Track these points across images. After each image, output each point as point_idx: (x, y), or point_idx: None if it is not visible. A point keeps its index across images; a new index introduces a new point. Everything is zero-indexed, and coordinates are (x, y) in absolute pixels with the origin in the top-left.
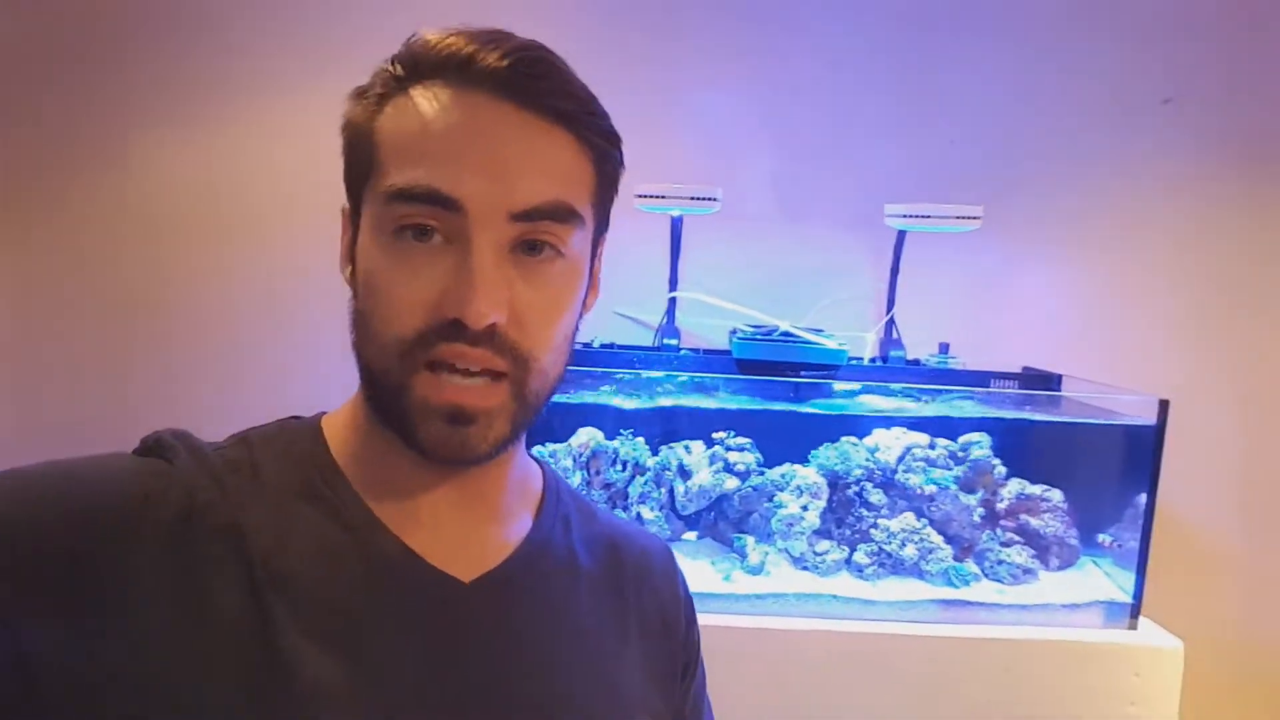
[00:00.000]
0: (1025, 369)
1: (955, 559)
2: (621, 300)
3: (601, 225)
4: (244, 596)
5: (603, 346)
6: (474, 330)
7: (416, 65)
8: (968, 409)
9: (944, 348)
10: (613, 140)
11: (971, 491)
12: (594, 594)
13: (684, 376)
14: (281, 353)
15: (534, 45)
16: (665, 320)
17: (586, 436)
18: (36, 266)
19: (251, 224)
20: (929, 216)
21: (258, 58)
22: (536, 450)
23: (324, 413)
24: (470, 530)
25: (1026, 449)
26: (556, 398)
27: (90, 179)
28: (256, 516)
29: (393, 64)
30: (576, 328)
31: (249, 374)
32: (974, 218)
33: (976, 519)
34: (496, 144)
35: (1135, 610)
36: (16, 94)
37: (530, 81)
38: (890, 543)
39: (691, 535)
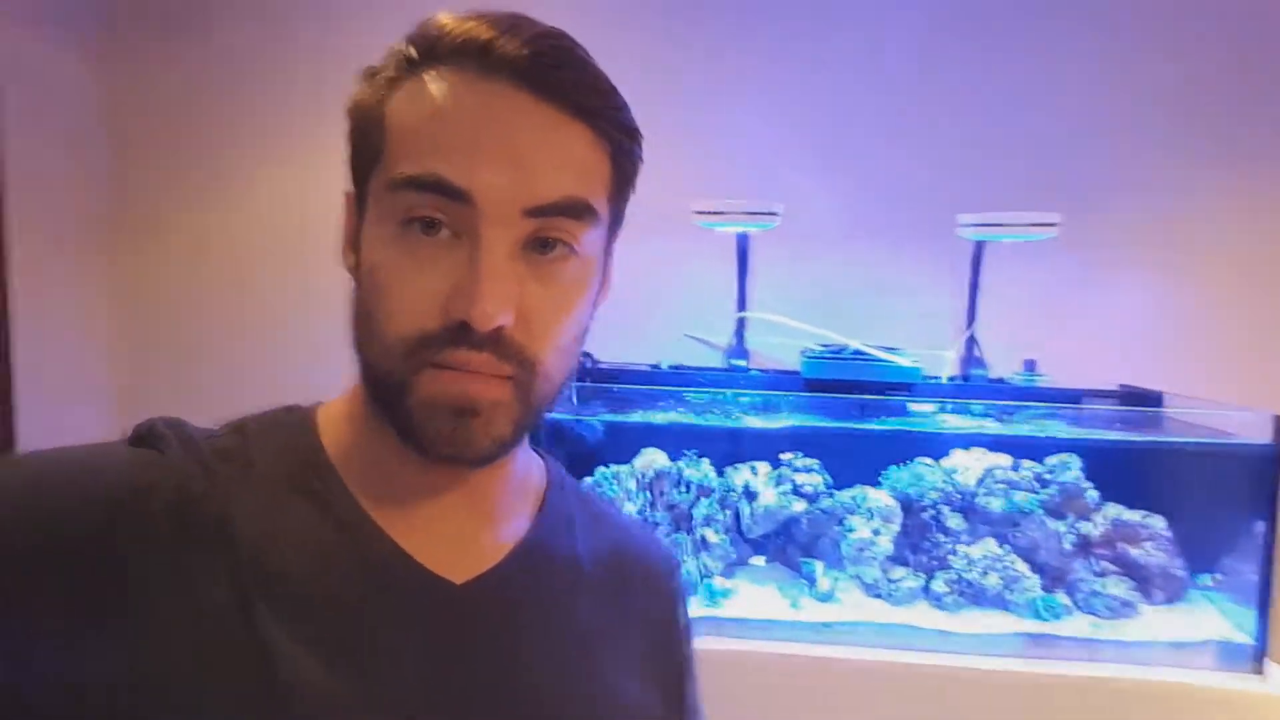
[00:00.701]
0: (1122, 386)
1: (1044, 589)
2: (690, 322)
3: (616, 222)
4: (231, 592)
5: (671, 368)
6: (480, 333)
7: (432, 48)
8: (1055, 429)
9: (1030, 364)
10: (633, 135)
11: (1060, 517)
12: (594, 598)
13: (748, 396)
14: None
15: (556, 33)
16: (734, 341)
17: (650, 458)
18: (148, 287)
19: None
20: (1003, 225)
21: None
22: (600, 472)
23: (320, 403)
24: (465, 531)
25: (1123, 472)
26: (621, 418)
27: (202, 209)
28: (246, 509)
29: (406, 45)
30: (586, 328)
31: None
32: (1050, 224)
33: (1067, 547)
34: (512, 135)
35: (1259, 653)
36: (146, 134)
37: (550, 71)
38: (971, 570)
39: (759, 560)
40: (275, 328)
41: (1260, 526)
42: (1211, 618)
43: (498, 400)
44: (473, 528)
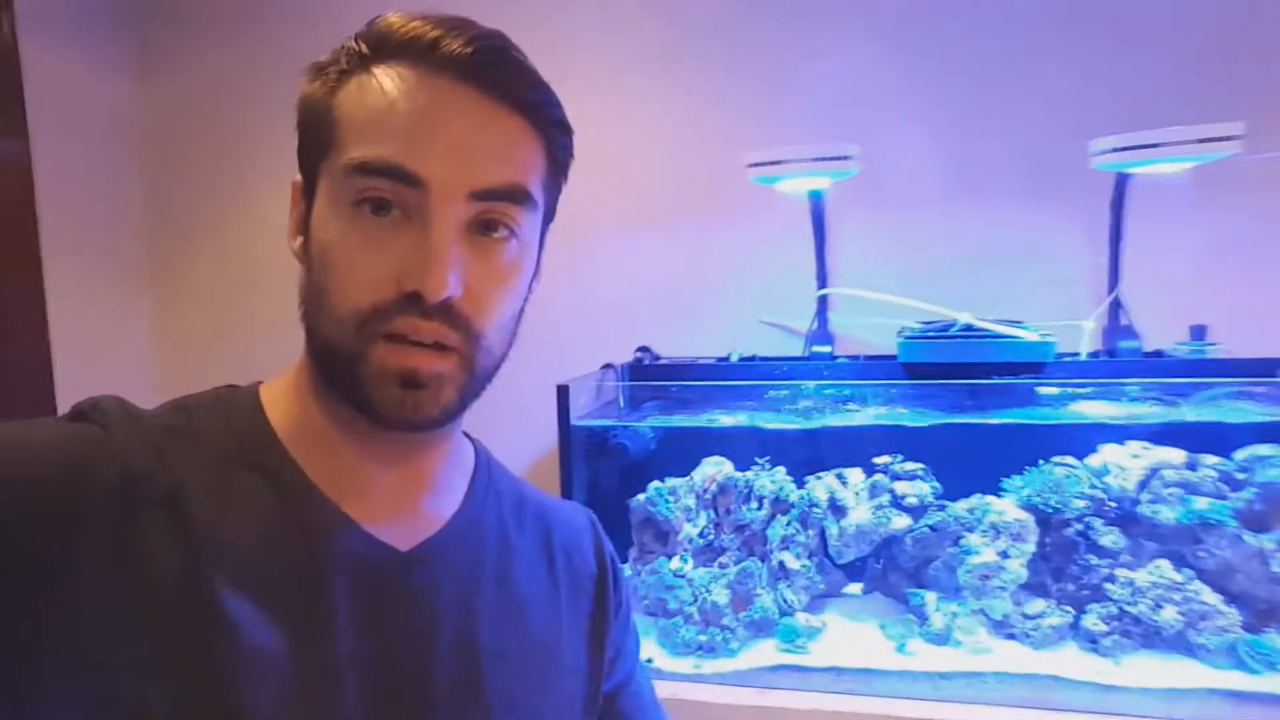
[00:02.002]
0: None
1: (1247, 628)
2: (765, 305)
3: (550, 212)
4: (184, 563)
5: (742, 360)
6: (430, 303)
7: (381, 45)
8: (1244, 412)
9: (1198, 332)
10: (565, 130)
11: (1263, 530)
12: (527, 564)
13: (830, 388)
14: None
15: (495, 34)
16: (815, 324)
17: (713, 469)
18: (186, 298)
19: None
20: (1158, 145)
21: None
22: (654, 486)
23: (260, 382)
24: (408, 500)
25: None
26: (678, 422)
27: (237, 217)
28: (196, 484)
29: (356, 42)
30: (522, 309)
31: None
32: (1229, 138)
33: (1277, 570)
34: (459, 126)
35: None
36: (180, 142)
37: (491, 69)
38: (1137, 602)
39: (855, 588)
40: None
41: None
42: None
43: (443, 373)
44: (415, 497)
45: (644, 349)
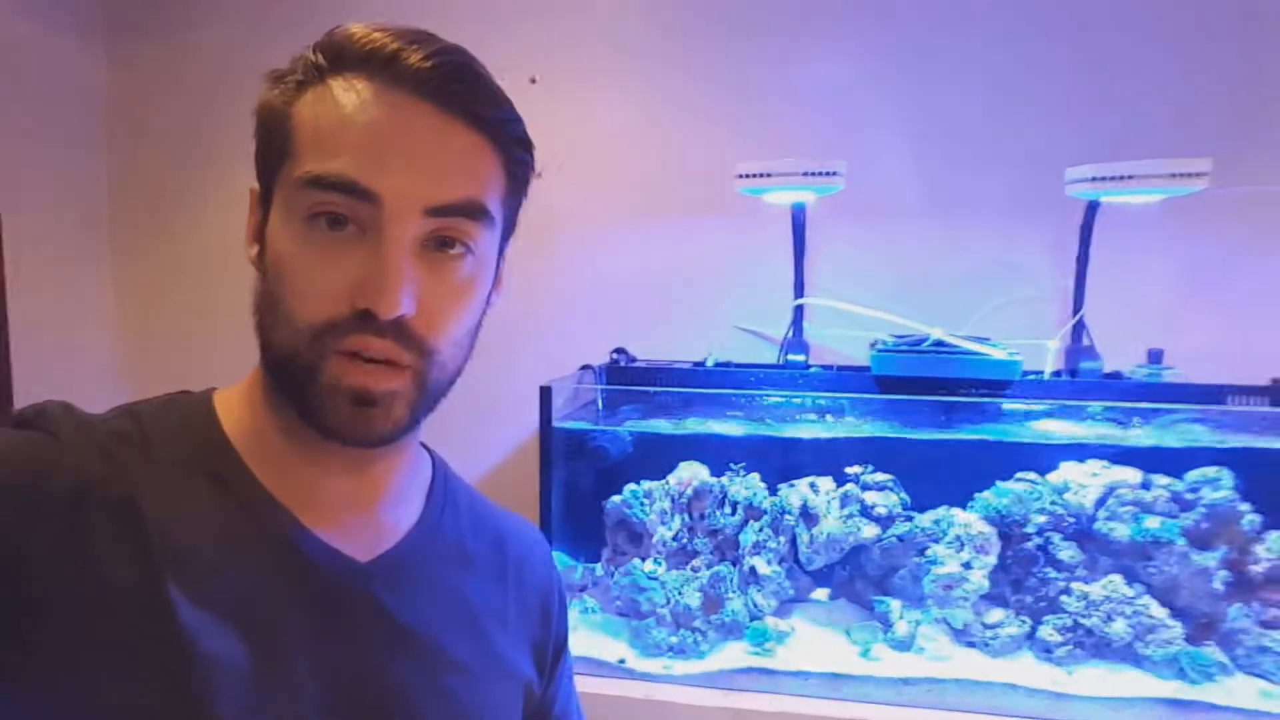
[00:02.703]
0: (1276, 381)
1: (1190, 640)
2: (741, 312)
3: (509, 227)
4: (140, 572)
5: (717, 365)
6: (383, 321)
7: (339, 56)
8: (1195, 435)
9: (1155, 355)
10: (525, 146)
11: (1208, 548)
12: (480, 577)
13: (806, 398)
14: None
15: (456, 49)
16: (790, 333)
17: (688, 474)
18: (149, 288)
19: None
20: (1132, 177)
21: None
22: (629, 489)
23: (214, 389)
24: (366, 512)
25: None
26: (654, 428)
27: (207, 206)
28: (150, 492)
29: (314, 52)
30: (479, 324)
31: None
32: (1198, 174)
33: (1218, 586)
34: (415, 141)
35: None
36: (146, 131)
37: (450, 84)
38: (1090, 615)
39: (822, 594)
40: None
41: None
42: None
43: (395, 390)
44: (372, 508)
45: (620, 351)
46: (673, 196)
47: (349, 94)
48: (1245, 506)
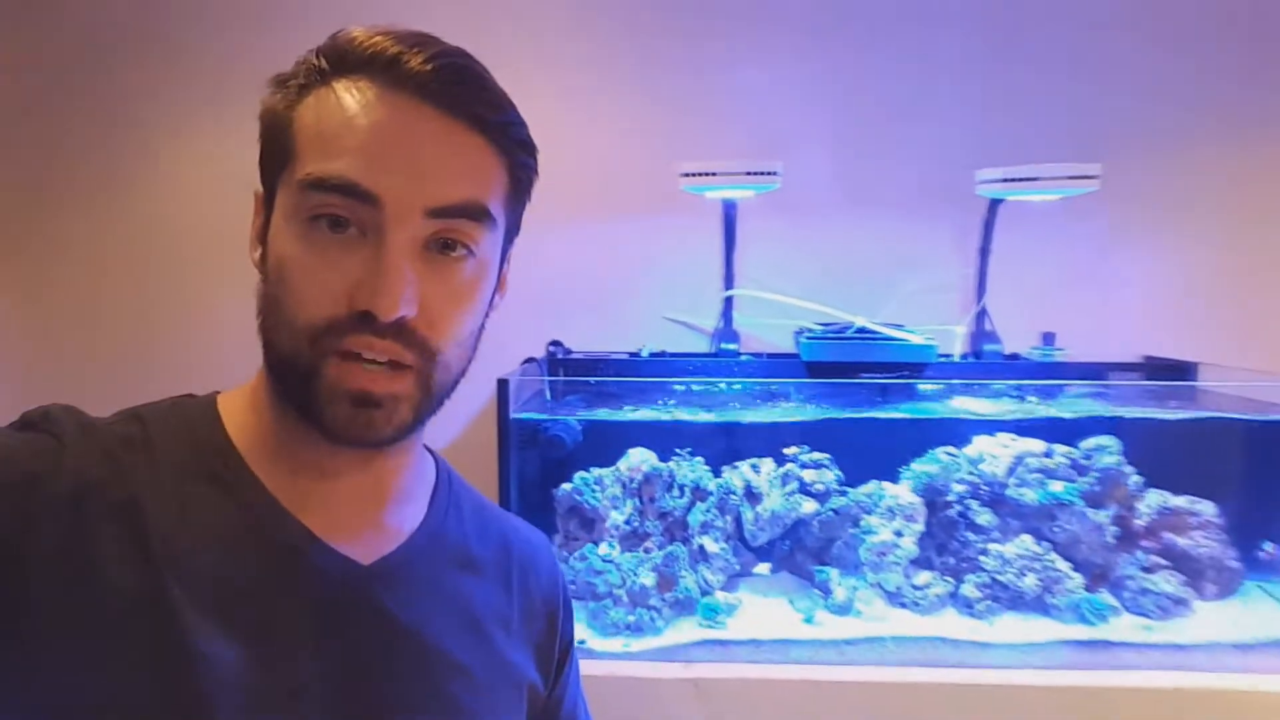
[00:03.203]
0: (1148, 358)
1: (1087, 589)
2: (669, 304)
3: (512, 230)
4: (141, 575)
5: (652, 355)
6: (383, 323)
7: (342, 60)
8: (1088, 409)
9: (1048, 338)
10: (528, 149)
11: (1102, 507)
12: (484, 581)
13: (742, 384)
14: None
15: (458, 52)
16: (721, 323)
17: (638, 459)
18: (53, 274)
19: None
20: (1035, 179)
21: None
22: (580, 476)
23: (218, 392)
24: (369, 514)
25: (1164, 454)
26: (604, 416)
27: (115, 188)
28: (152, 494)
29: (317, 56)
30: (482, 326)
31: None
32: (1091, 177)
33: (1110, 540)
34: (416, 143)
35: None
36: (46, 104)
37: (452, 87)
38: (1005, 572)
39: (764, 568)
40: (184, 318)
41: None
42: (1270, 613)
43: (398, 393)
44: (376, 511)
45: (556, 343)
46: (601, 192)
47: (350, 97)
48: (1130, 469)
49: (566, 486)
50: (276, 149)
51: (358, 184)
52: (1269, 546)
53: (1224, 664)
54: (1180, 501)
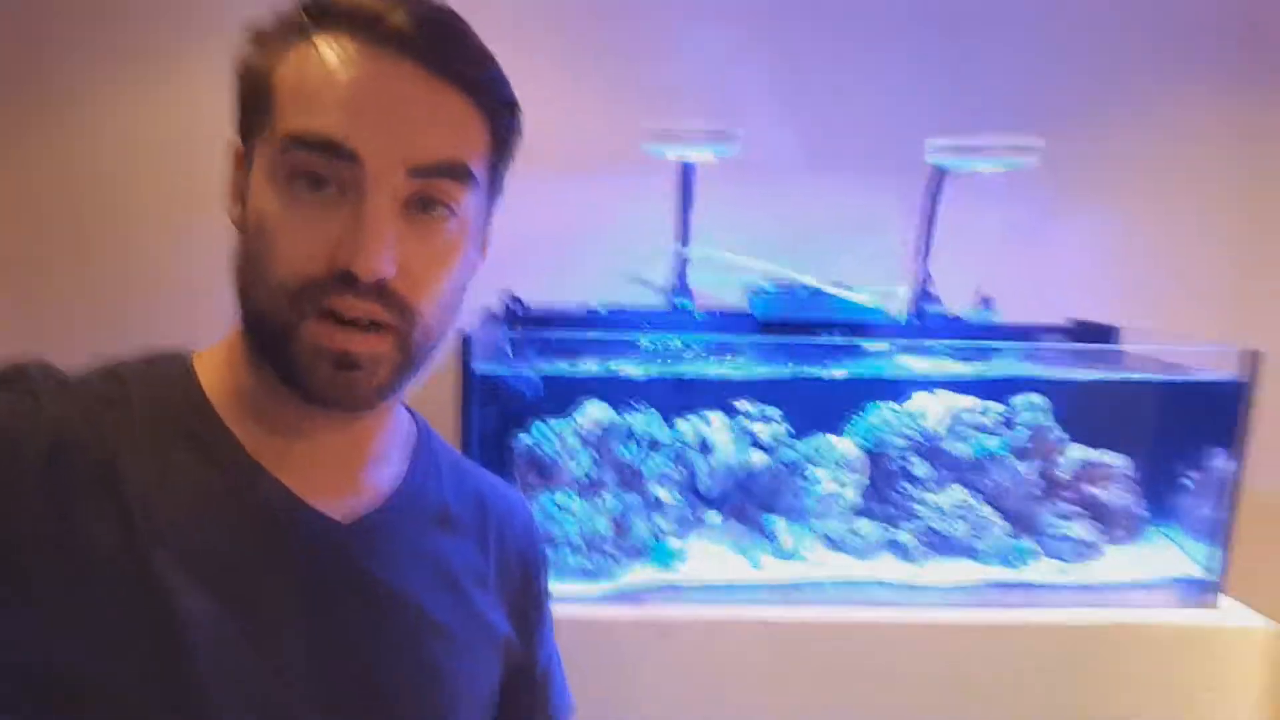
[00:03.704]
0: (1074, 321)
1: (1012, 535)
2: (626, 260)
3: (495, 190)
4: (121, 535)
5: (610, 311)
6: (364, 283)
7: (323, 15)
8: (1019, 368)
9: (986, 301)
10: (511, 108)
11: (1028, 460)
12: (460, 539)
13: (698, 340)
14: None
15: (443, 9)
16: (677, 280)
17: (594, 411)
18: None
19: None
20: (980, 149)
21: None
22: (538, 427)
23: (193, 350)
24: (347, 473)
25: (1086, 411)
26: (559, 370)
27: (38, 134)
28: (131, 454)
29: (298, 10)
30: (464, 287)
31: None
32: (1032, 149)
33: (1035, 490)
34: (398, 101)
35: (1216, 587)
36: None
37: (434, 44)
38: (939, 520)
39: (715, 517)
40: (122, 271)
41: (1220, 463)
42: (1170, 555)
43: (378, 353)
44: (355, 470)
45: (514, 298)
46: (558, 148)
47: (332, 53)
48: (1055, 425)
49: (525, 438)
50: (255, 105)
51: (339, 142)
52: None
53: (1127, 601)
54: (1098, 455)
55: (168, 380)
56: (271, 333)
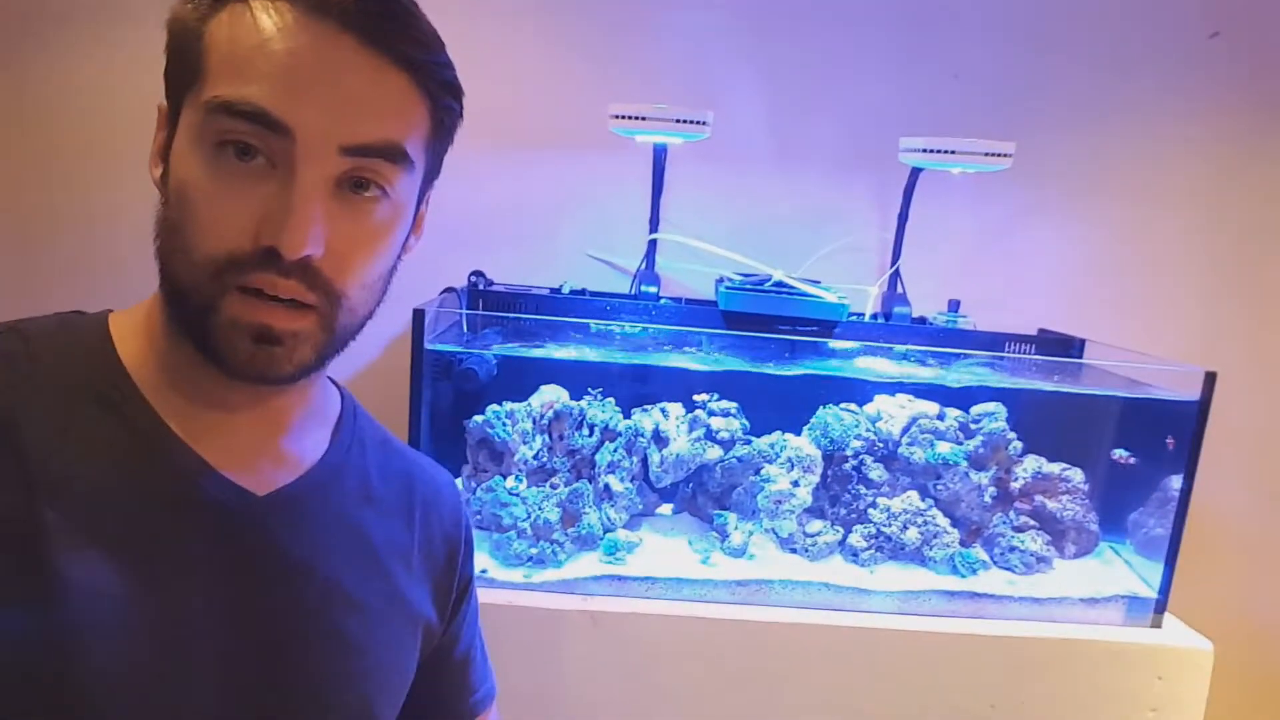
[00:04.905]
0: (1041, 331)
1: (963, 544)
2: (594, 242)
3: (432, 172)
4: (15, 496)
5: (572, 293)
6: (288, 260)
7: None
8: (981, 376)
9: (954, 305)
10: (453, 91)
11: (983, 469)
12: (384, 517)
13: (658, 329)
14: None
15: None
16: (644, 265)
17: (550, 395)
18: None
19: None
20: (954, 152)
21: None
22: (491, 409)
23: (110, 311)
24: (266, 445)
25: (1045, 422)
26: (517, 351)
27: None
28: (31, 415)
29: None
30: (394, 268)
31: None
32: (1005, 155)
33: (988, 500)
34: (335, 76)
35: (1160, 606)
36: None
37: (377, 20)
38: (891, 524)
39: (667, 509)
40: (62, 229)
41: (1173, 482)
42: (1119, 571)
43: (299, 330)
44: (273, 443)
45: (478, 274)
46: (532, 126)
47: (268, 17)
48: (1013, 435)
49: (478, 419)
50: (184, 65)
51: (269, 112)
52: (1121, 453)
53: (1074, 616)
54: (1054, 468)
55: (80, 340)
56: (190, 305)
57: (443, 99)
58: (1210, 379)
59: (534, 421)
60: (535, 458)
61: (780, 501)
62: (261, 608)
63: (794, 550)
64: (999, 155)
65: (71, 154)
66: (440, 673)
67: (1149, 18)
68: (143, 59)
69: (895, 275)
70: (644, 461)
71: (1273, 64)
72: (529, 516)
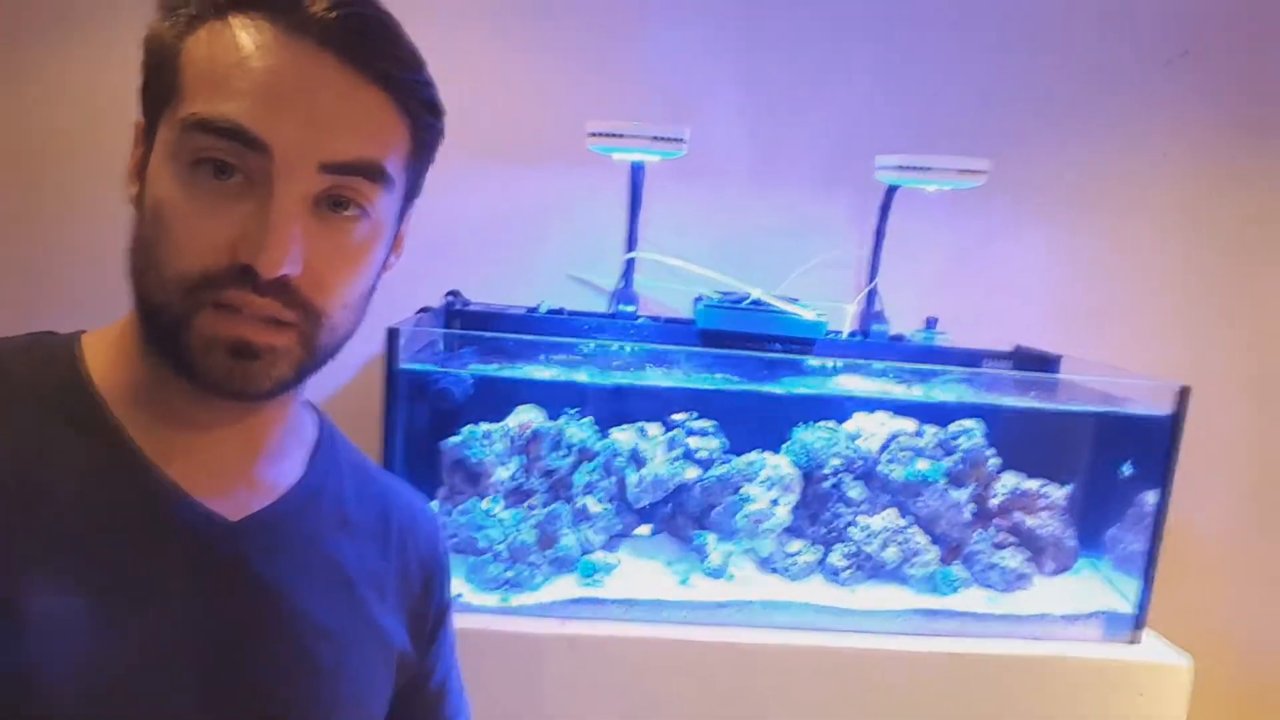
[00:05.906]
0: (1018, 348)
1: (942, 562)
2: (572, 260)
3: (412, 191)
4: None
5: (550, 312)
6: (265, 279)
7: None
8: (958, 393)
9: (931, 323)
10: (434, 110)
11: (962, 486)
12: (360, 543)
13: (636, 348)
14: None
15: (366, 1)
16: (621, 284)
17: (526, 416)
18: None
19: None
20: (929, 169)
21: None
22: (468, 430)
23: (82, 331)
24: (240, 469)
25: (1021, 439)
26: (493, 371)
27: None
28: (1, 434)
29: None
30: (373, 287)
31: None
32: (979, 172)
33: (967, 517)
34: (313, 94)
35: (1139, 623)
36: None
37: (356, 38)
38: (870, 543)
39: (645, 530)
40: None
41: (1149, 498)
42: (1097, 587)
43: (277, 345)
44: (247, 466)
45: (454, 293)
46: (510, 144)
47: (247, 35)
48: (990, 452)
49: (454, 440)
50: (161, 82)
51: (247, 129)
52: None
53: (1054, 633)
54: (1032, 484)
55: (49, 360)
56: (164, 323)
57: (423, 117)
58: (1184, 394)
59: (510, 442)
60: (512, 479)
61: (759, 521)
62: (231, 635)
63: (774, 570)
64: (974, 172)
65: (62, 156)
66: (415, 703)
67: (1126, 35)
68: (138, 59)
69: (873, 292)
70: (621, 482)
71: (1244, 83)
72: (505, 539)
